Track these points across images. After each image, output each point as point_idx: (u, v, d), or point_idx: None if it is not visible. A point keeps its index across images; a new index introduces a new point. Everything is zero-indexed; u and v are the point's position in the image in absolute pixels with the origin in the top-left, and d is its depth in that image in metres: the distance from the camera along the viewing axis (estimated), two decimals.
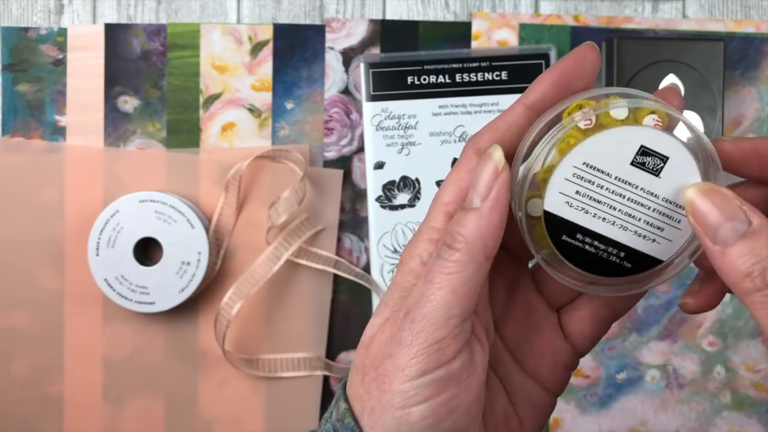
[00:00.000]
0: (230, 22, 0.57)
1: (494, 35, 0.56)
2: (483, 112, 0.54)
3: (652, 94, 0.29)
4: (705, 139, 0.28)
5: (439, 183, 0.54)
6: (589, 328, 0.32)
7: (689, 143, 0.28)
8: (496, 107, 0.54)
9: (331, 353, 0.56)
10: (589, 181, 0.28)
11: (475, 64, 0.54)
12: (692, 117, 0.53)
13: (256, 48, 0.56)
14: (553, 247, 0.29)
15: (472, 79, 0.54)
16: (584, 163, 0.27)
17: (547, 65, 0.53)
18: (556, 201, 0.28)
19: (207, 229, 0.54)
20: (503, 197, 0.27)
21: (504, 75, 0.54)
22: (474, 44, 0.56)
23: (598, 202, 0.28)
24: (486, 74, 0.54)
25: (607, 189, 0.28)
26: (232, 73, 0.56)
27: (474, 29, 0.56)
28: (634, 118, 0.28)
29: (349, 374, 0.30)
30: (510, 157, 0.29)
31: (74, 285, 0.56)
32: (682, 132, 0.28)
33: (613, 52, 0.52)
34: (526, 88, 0.53)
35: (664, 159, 0.27)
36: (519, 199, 0.28)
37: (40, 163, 0.56)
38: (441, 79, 0.54)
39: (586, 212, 0.28)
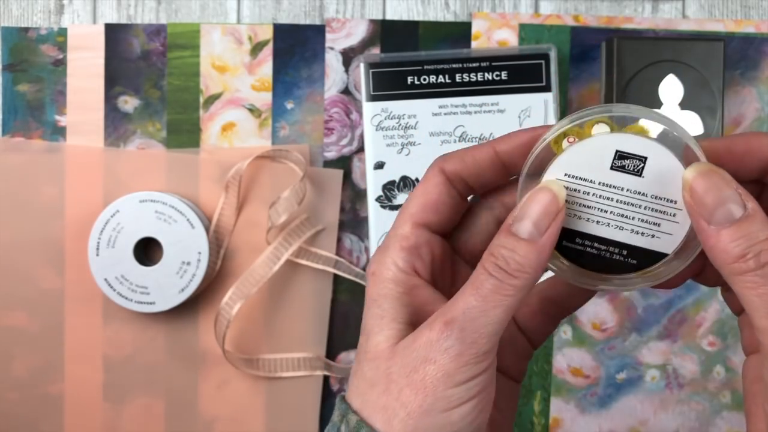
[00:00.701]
0: (230, 22, 0.57)
1: (494, 35, 0.56)
2: (483, 112, 0.54)
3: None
4: (691, 141, 0.28)
5: None
6: (538, 323, 0.34)
7: (667, 140, 0.28)
8: (496, 107, 0.54)
9: (331, 353, 0.57)
10: (575, 190, 0.29)
11: (475, 64, 0.54)
12: (692, 117, 0.53)
13: (256, 48, 0.56)
14: (557, 254, 0.29)
15: (472, 79, 0.54)
16: (566, 174, 0.28)
17: (547, 65, 0.53)
18: None
19: (207, 229, 0.54)
20: (558, 233, 0.28)
21: (504, 75, 0.54)
22: (474, 44, 0.56)
23: (589, 207, 0.29)
24: (486, 74, 0.54)
25: (594, 195, 0.29)
26: (232, 73, 0.56)
27: (474, 29, 0.56)
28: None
29: (354, 390, 0.30)
30: (467, 186, 0.31)
31: (74, 285, 0.56)
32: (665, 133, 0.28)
33: (613, 52, 0.52)
34: (525, 88, 0.54)
35: (643, 159, 0.28)
36: None
37: (40, 163, 0.56)
38: (441, 79, 0.54)
39: (579, 218, 0.29)
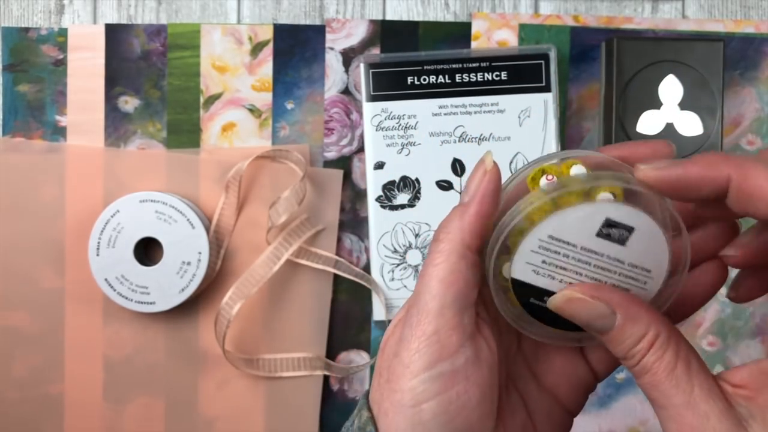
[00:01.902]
0: (230, 22, 0.57)
1: (494, 35, 0.56)
2: (483, 112, 0.54)
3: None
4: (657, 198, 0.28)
5: (439, 183, 0.54)
6: (607, 354, 0.32)
7: (653, 206, 0.28)
8: (495, 107, 0.54)
9: (331, 353, 0.57)
10: (555, 252, 0.28)
11: (475, 65, 0.54)
12: (692, 117, 0.53)
13: (257, 48, 0.56)
14: (520, 308, 0.30)
15: (472, 79, 0.54)
16: (550, 236, 0.28)
17: (547, 65, 0.53)
18: (523, 269, 0.29)
19: (207, 229, 0.54)
20: (488, 194, 0.28)
21: (504, 75, 0.54)
22: (474, 44, 0.56)
23: (564, 269, 0.29)
24: (486, 74, 0.54)
25: (573, 258, 0.29)
26: (233, 74, 0.56)
27: (474, 29, 0.56)
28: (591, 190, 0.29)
29: (373, 383, 0.30)
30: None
31: (75, 285, 0.56)
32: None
33: (613, 52, 0.52)
34: (525, 88, 0.54)
35: (630, 229, 0.28)
36: (490, 263, 0.29)
37: (41, 163, 0.56)
38: (441, 79, 0.54)
39: (552, 278, 0.29)
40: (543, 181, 0.29)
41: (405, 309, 0.29)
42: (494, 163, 0.29)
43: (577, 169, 0.29)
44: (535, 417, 0.32)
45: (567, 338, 0.31)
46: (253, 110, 0.56)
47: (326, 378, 0.56)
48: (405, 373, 0.28)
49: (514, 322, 0.30)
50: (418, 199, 0.54)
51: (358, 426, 0.29)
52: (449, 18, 0.57)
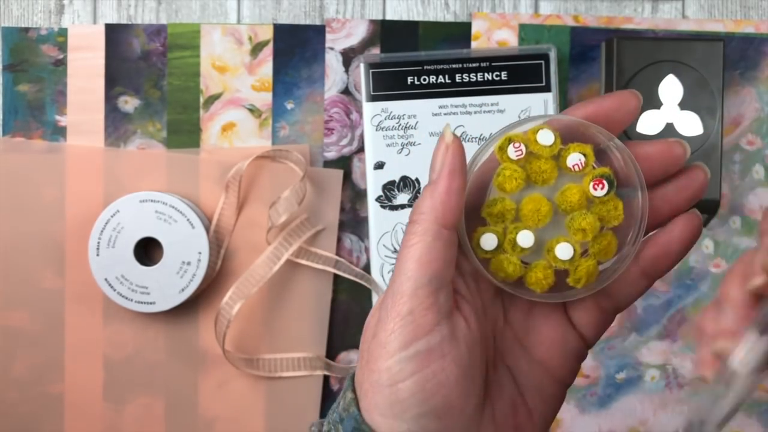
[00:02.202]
0: (230, 22, 0.57)
1: (494, 35, 0.56)
2: (483, 112, 0.54)
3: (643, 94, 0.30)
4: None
5: None
6: (593, 318, 0.32)
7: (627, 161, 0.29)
8: (495, 107, 0.54)
9: (331, 353, 0.57)
10: None
11: (475, 65, 0.54)
12: (692, 117, 0.53)
13: (257, 48, 0.56)
14: (504, 279, 0.30)
15: (472, 80, 0.54)
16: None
17: (547, 65, 0.53)
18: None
19: (207, 229, 0.54)
20: (455, 168, 0.28)
21: (504, 75, 0.54)
22: (474, 44, 0.56)
23: None
24: (486, 74, 0.54)
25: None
26: (233, 74, 0.56)
27: (474, 29, 0.56)
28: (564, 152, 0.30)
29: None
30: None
31: (75, 285, 0.56)
32: None
33: (613, 52, 0.52)
34: (525, 88, 0.54)
35: None
36: (465, 232, 0.30)
37: (41, 164, 0.56)
38: (441, 79, 0.54)
39: None
40: (511, 150, 0.29)
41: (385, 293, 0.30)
42: (454, 135, 0.29)
43: (544, 134, 0.29)
44: (525, 392, 0.32)
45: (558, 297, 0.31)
46: (253, 110, 0.56)
47: (326, 378, 0.56)
48: (382, 354, 0.28)
49: (503, 286, 0.30)
50: (418, 199, 0.54)
51: (343, 407, 0.30)
52: (449, 18, 0.57)
